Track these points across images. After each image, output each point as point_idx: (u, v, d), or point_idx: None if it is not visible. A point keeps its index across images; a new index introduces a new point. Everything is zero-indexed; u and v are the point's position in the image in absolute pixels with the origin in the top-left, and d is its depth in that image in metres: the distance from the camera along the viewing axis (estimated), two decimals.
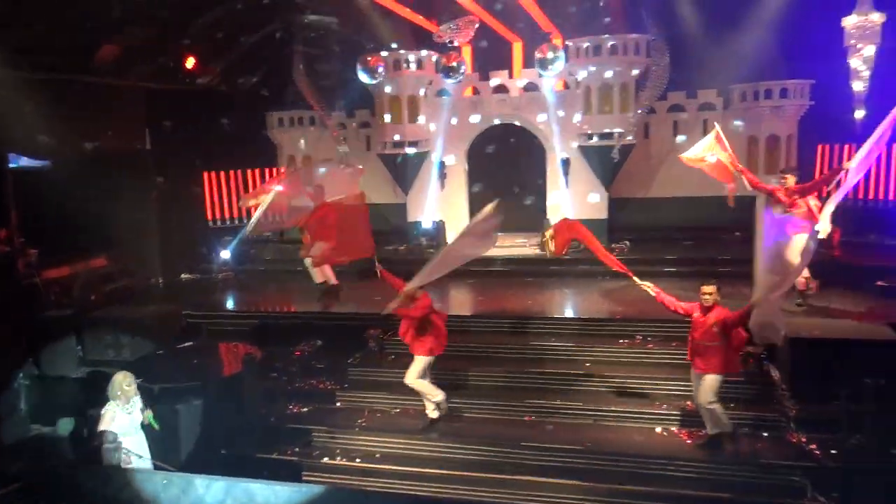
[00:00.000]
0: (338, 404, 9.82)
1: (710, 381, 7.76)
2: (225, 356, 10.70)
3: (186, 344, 11.13)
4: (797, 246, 8.55)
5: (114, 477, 5.75)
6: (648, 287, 8.06)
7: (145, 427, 7.35)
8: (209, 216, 16.17)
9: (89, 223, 12.55)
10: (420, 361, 8.72)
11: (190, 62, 14.71)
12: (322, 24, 16.03)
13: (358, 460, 8.75)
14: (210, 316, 12.02)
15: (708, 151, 10.33)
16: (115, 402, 7.15)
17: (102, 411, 7.17)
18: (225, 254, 14.88)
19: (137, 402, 7.31)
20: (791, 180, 9.65)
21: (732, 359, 7.73)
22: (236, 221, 16.13)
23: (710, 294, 7.63)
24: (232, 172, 16.46)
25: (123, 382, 7.17)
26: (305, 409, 9.75)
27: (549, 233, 8.94)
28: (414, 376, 8.74)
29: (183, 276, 14.97)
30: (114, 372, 7.46)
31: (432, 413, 8.95)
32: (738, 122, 14.23)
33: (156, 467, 7.14)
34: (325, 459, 8.83)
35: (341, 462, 8.77)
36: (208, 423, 8.95)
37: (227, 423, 9.16)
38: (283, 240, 16.57)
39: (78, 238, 12.86)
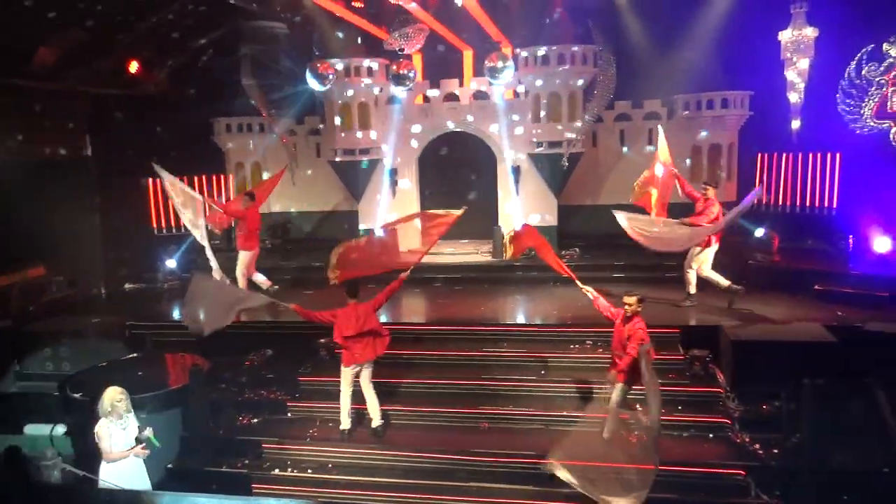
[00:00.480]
0: (289, 415, 9.68)
1: (619, 389, 7.93)
2: (171, 368, 10.44)
3: (130, 356, 10.82)
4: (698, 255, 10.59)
5: (50, 496, 5.53)
6: (588, 291, 8.19)
7: (147, 444, 7.06)
8: (154, 224, 15.76)
9: (27, 231, 12.10)
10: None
11: (133, 66, 14.35)
12: (271, 30, 15.86)
13: (310, 471, 8.64)
14: (155, 326, 11.70)
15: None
16: (107, 419, 6.88)
17: (96, 429, 6.90)
18: (171, 262, 14.53)
19: (131, 417, 7.04)
20: (711, 192, 10.67)
21: (638, 371, 7.67)
22: (182, 230, 15.75)
23: (630, 305, 7.73)
24: (178, 179, 16.06)
25: (114, 398, 6.89)
26: (255, 421, 9.58)
27: (508, 236, 9.11)
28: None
29: (127, 285, 14.55)
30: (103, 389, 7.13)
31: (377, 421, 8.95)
32: (704, 133, 14.67)
33: (99, 484, 6.90)
34: (276, 471, 8.70)
35: (293, 473, 8.65)
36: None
37: (174, 437, 8.93)
38: (231, 248, 16.28)
39: (14, 247, 12.36)
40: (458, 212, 9.31)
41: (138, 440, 6.98)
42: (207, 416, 9.19)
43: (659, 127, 11.91)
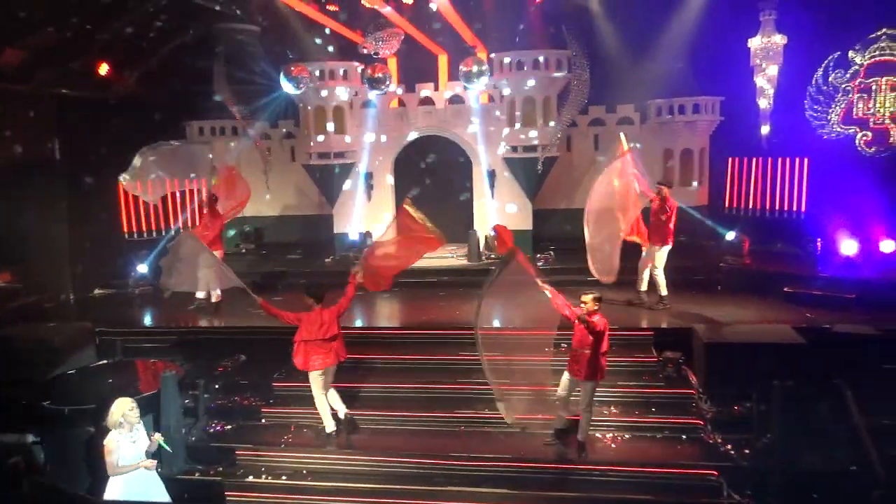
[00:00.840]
0: (263, 421, 9.57)
1: (589, 388, 8.04)
2: (142, 374, 10.26)
3: (100, 362, 10.63)
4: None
5: None
6: (546, 289, 8.19)
7: (157, 452, 6.88)
8: (125, 228, 15.51)
9: None
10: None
11: (104, 68, 14.12)
12: (244, 33, 15.74)
13: (284, 478, 8.55)
14: (126, 332, 11.51)
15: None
16: (117, 432, 6.62)
17: (105, 442, 6.63)
18: (142, 267, 14.29)
19: (141, 429, 6.81)
20: (666, 191, 10.84)
21: (601, 366, 8.01)
22: (154, 234, 15.56)
23: (585, 303, 7.91)
24: (150, 183, 15.85)
25: (125, 409, 6.65)
26: (229, 427, 9.46)
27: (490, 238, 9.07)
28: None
29: (97, 291, 14.29)
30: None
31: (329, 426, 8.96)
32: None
33: (72, 494, 6.76)
34: (250, 478, 8.59)
35: (267, 480, 8.56)
36: None
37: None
38: None
39: None
40: (436, 237, 9.11)
41: (148, 453, 6.75)
42: (180, 422, 9.06)
43: (621, 135, 11.74)
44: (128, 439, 6.66)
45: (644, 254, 11.15)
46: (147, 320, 12.45)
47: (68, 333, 11.12)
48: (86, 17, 12.50)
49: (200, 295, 12.12)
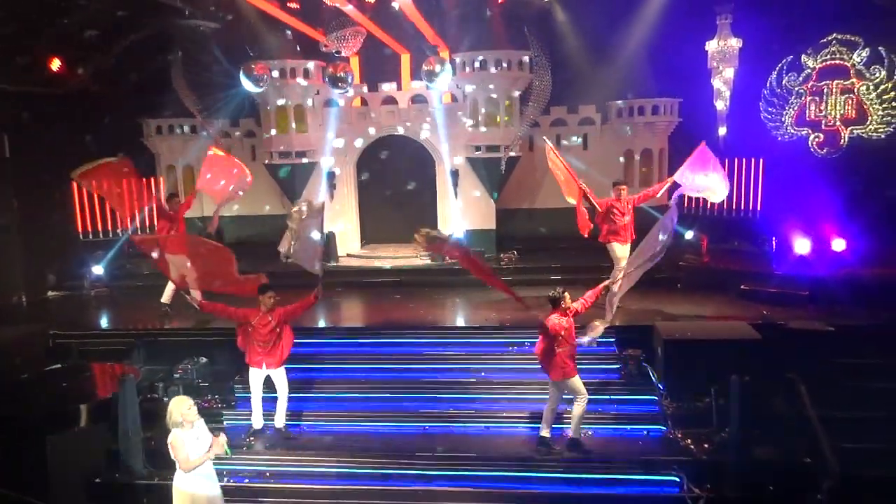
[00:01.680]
0: (224, 423, 9.43)
1: (579, 381, 8.20)
2: (99, 378, 10.04)
3: (55, 366, 10.34)
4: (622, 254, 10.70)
5: None
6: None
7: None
8: (80, 229, 15.12)
9: None
10: None
11: (56, 64, 13.72)
12: (203, 30, 15.46)
13: (247, 480, 8.44)
14: (81, 335, 11.21)
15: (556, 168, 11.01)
16: (179, 430, 6.59)
17: (169, 440, 6.65)
18: (97, 269, 13.96)
19: (201, 425, 6.77)
20: (626, 191, 10.98)
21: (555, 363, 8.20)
22: (110, 234, 15.20)
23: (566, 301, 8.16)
24: (105, 182, 15.46)
25: (182, 407, 6.62)
26: None
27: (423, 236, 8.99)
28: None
29: (50, 293, 13.90)
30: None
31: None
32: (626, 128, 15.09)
33: (24, 502, 6.57)
34: None
35: (229, 484, 8.40)
36: (81, 450, 8.35)
37: (103, 449, 8.58)
38: None
39: None
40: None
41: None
42: (138, 426, 8.86)
43: (545, 139, 11.87)
44: (191, 436, 6.68)
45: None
46: (104, 322, 12.16)
47: (20, 337, 10.83)
48: (35, 10, 12.14)
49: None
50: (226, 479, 8.41)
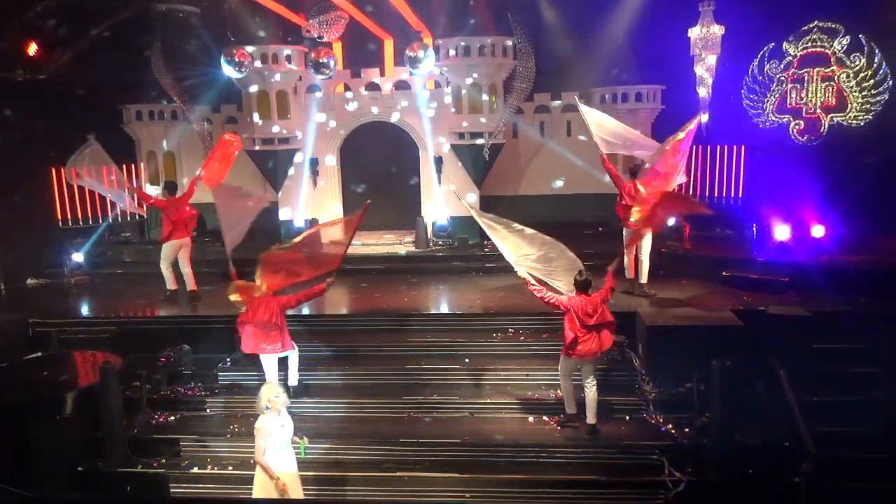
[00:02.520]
0: (208, 411, 9.40)
1: (591, 365, 8.39)
2: (80, 366, 9.93)
3: (34, 355, 10.23)
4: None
5: None
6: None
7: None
8: (59, 216, 14.91)
9: None
10: None
11: (33, 48, 13.45)
12: (183, 14, 15.24)
13: (231, 468, 8.43)
14: (61, 324, 11.06)
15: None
16: (266, 416, 6.81)
17: (257, 424, 6.87)
18: (77, 256, 13.80)
19: (287, 415, 6.93)
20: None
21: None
22: (90, 221, 15.01)
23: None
24: (85, 168, 15.26)
25: (271, 393, 6.85)
26: (172, 418, 9.26)
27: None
28: None
29: (29, 281, 13.71)
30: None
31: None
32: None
33: (5, 491, 6.51)
34: (195, 469, 8.44)
35: (213, 471, 8.42)
36: (62, 438, 8.28)
37: (85, 438, 8.52)
38: (143, 241, 15.63)
39: None
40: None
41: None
42: (120, 415, 8.81)
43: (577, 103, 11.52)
44: (276, 423, 6.81)
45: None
46: (84, 311, 12.04)
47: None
48: None
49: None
50: (209, 467, 8.44)
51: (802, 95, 14.35)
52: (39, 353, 10.30)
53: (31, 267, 13.87)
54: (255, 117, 14.69)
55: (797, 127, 14.47)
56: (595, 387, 8.36)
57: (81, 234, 14.48)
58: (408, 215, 14.96)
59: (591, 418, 8.40)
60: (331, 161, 15.47)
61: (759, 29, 14.27)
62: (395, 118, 15.07)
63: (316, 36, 13.08)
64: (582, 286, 8.22)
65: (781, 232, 12.34)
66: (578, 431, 8.49)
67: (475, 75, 14.13)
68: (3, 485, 6.81)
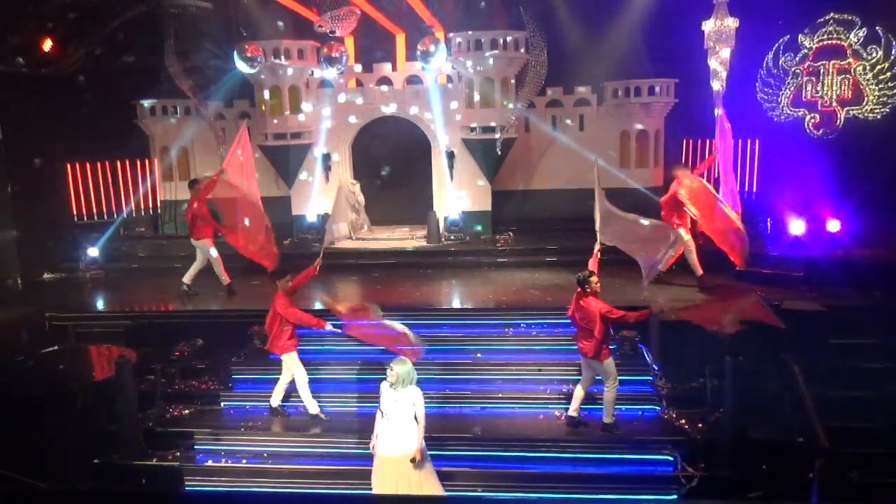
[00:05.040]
0: (222, 405, 9.48)
1: (611, 364, 8.33)
2: (95, 360, 10.06)
3: (51, 348, 10.35)
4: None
5: None
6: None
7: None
8: (74, 211, 15.06)
9: None
10: None
11: (48, 45, 13.57)
12: (196, 9, 15.28)
13: (245, 461, 8.50)
14: (77, 318, 11.19)
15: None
16: (387, 383, 7.22)
17: (419, 395, 7.27)
18: (93, 251, 13.93)
19: (406, 393, 7.18)
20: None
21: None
22: (105, 216, 15.14)
23: (591, 283, 8.21)
24: (99, 164, 15.41)
25: (400, 370, 7.19)
26: (187, 412, 9.36)
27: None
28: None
29: (45, 275, 13.86)
30: None
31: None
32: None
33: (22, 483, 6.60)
34: (210, 462, 8.52)
35: (227, 464, 8.49)
36: (78, 431, 8.38)
37: (100, 431, 8.62)
38: (157, 235, 15.76)
39: None
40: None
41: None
42: (135, 408, 8.90)
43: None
44: (390, 392, 7.18)
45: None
46: (99, 305, 12.16)
47: (15, 319, 10.81)
48: None
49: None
50: (223, 460, 8.51)
51: (818, 88, 14.20)
52: (56, 347, 10.42)
53: (47, 261, 14.03)
54: (267, 112, 14.72)
55: (813, 120, 14.33)
56: (614, 388, 8.30)
57: (96, 228, 14.62)
58: (420, 210, 14.96)
59: (606, 417, 8.39)
60: (343, 155, 15.49)
61: (774, 21, 14.12)
62: (406, 113, 15.05)
63: (328, 31, 13.07)
64: (579, 283, 8.20)
65: (796, 226, 12.24)
66: (590, 427, 8.48)
67: (487, 69, 14.10)
68: (19, 476, 6.89)
